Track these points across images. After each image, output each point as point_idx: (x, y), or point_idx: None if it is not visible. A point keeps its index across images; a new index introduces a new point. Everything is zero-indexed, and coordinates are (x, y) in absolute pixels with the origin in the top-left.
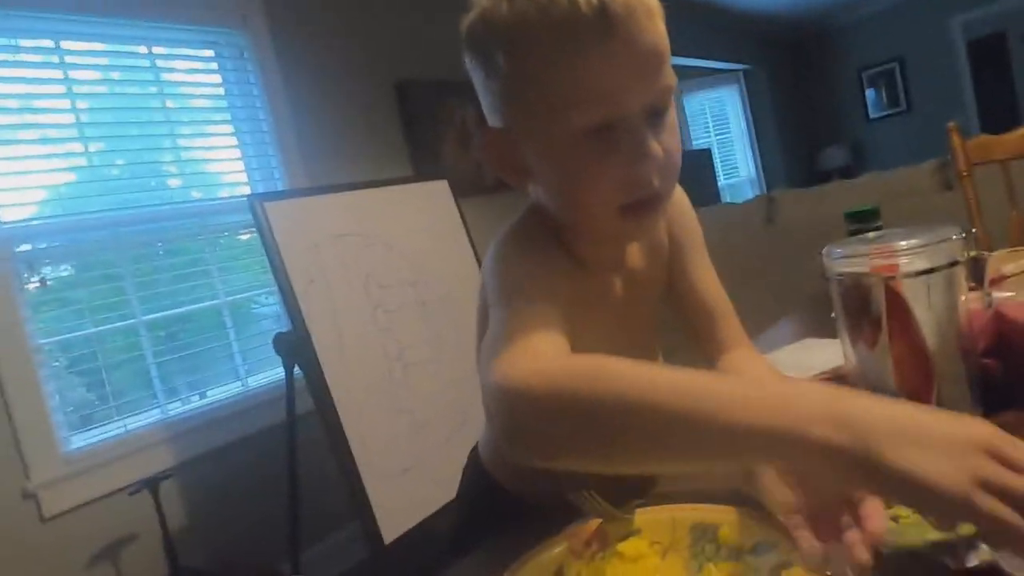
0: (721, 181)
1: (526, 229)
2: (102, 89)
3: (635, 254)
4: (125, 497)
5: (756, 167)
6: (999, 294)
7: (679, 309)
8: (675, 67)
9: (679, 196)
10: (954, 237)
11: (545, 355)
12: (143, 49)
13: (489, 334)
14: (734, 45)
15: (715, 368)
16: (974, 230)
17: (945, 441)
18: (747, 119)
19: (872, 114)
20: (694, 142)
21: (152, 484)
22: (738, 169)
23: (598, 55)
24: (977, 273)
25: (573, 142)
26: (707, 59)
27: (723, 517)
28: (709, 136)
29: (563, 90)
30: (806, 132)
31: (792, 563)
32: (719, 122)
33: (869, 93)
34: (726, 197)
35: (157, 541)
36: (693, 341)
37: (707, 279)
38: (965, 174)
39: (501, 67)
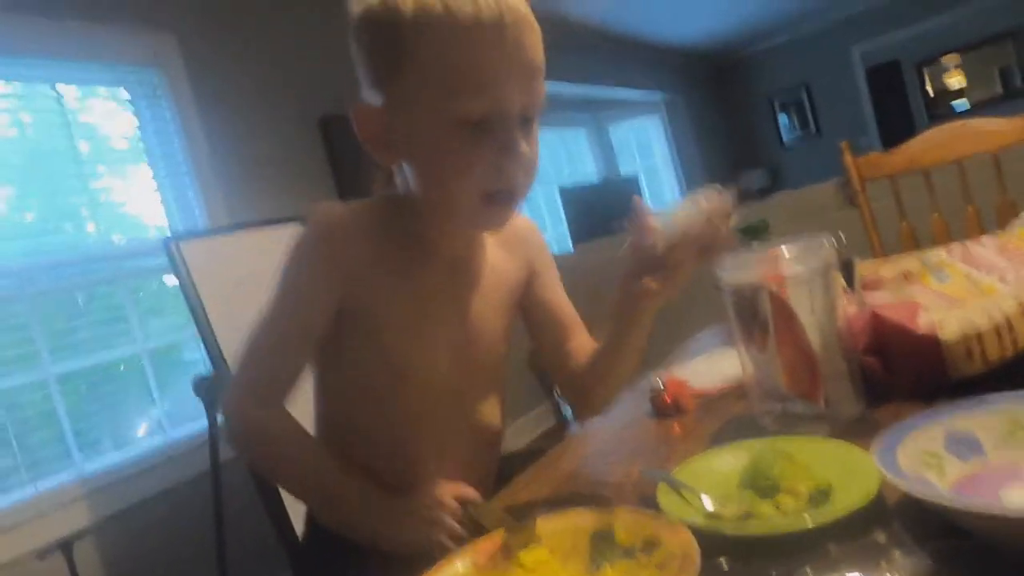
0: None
1: (363, 212)
2: (10, 131)
3: (486, 268)
4: (35, 562)
5: (682, 193)
6: (875, 297)
7: (536, 324)
8: (600, 100)
9: (534, 230)
10: (826, 244)
11: (258, 396)
12: (51, 88)
13: (244, 344)
14: (654, 75)
15: (571, 368)
16: (842, 235)
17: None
18: (670, 147)
19: (786, 138)
20: (621, 170)
21: (65, 546)
22: (665, 196)
23: (491, 55)
24: (848, 277)
25: (452, 128)
26: (629, 87)
27: (619, 519)
28: (635, 164)
29: (455, 81)
30: (727, 157)
31: (675, 555)
32: (644, 150)
33: (781, 118)
34: None
35: None
36: (549, 354)
37: (561, 296)
38: (859, 189)
39: (395, 50)
